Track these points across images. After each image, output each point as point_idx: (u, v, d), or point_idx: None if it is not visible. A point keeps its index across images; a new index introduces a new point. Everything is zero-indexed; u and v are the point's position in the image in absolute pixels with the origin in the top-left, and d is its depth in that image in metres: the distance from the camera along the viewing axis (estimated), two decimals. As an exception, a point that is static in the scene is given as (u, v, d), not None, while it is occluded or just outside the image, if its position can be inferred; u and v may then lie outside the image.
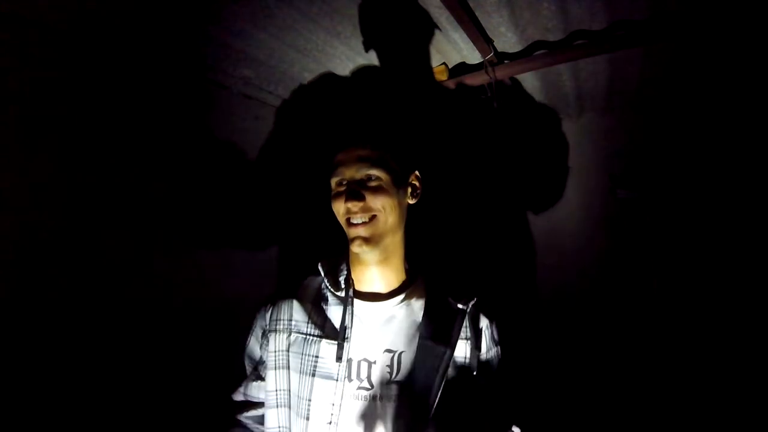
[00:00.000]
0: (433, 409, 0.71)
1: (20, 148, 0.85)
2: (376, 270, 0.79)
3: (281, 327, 0.79)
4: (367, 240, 0.74)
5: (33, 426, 0.86)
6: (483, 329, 0.82)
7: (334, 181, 0.77)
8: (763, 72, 1.23)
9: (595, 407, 1.49)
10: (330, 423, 0.71)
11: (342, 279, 0.80)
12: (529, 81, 1.39)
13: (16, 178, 0.85)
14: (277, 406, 0.76)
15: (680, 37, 1.03)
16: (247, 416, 0.82)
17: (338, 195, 0.76)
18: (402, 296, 0.79)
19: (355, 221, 0.74)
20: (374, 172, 0.75)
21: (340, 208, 0.75)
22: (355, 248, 0.75)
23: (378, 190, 0.74)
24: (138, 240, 1.06)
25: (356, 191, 0.74)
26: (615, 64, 1.24)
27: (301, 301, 0.81)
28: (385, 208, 0.74)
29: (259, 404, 0.81)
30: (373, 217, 0.74)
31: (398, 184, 0.78)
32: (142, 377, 1.05)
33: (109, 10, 0.91)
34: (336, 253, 0.85)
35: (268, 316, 0.81)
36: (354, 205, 0.73)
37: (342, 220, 0.76)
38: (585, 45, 1.10)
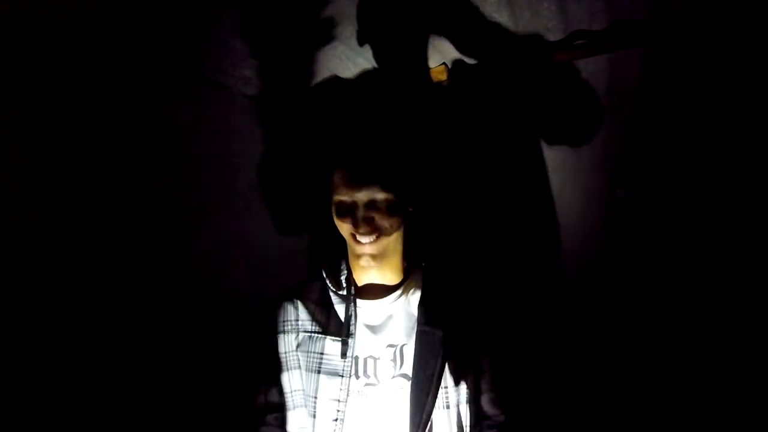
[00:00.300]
0: (435, 394, 0.72)
1: (20, 148, 0.85)
2: (375, 272, 0.81)
3: (288, 328, 0.81)
4: (374, 257, 0.74)
5: (33, 426, 0.86)
6: (480, 313, 0.83)
7: (337, 198, 0.75)
8: (763, 72, 1.23)
9: (595, 406, 1.49)
10: (336, 420, 0.72)
11: (343, 278, 0.81)
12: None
13: (16, 178, 0.85)
14: (294, 408, 0.78)
15: (680, 37, 1.04)
16: (273, 417, 0.81)
17: (343, 213, 0.74)
18: (400, 291, 0.81)
19: (362, 240, 0.73)
20: (383, 195, 0.73)
21: (345, 225, 0.74)
22: (363, 263, 0.75)
23: (386, 211, 0.73)
24: (138, 240, 1.06)
25: (366, 217, 0.72)
26: (615, 64, 1.24)
27: (306, 302, 0.83)
28: (392, 226, 0.74)
29: (281, 409, 0.81)
30: (379, 235, 0.74)
31: (403, 201, 0.77)
32: (143, 377, 1.05)
33: (109, 10, 0.91)
34: (336, 254, 0.86)
35: (275, 318, 0.83)
36: (363, 229, 0.72)
37: (346, 235, 0.76)
38: (585, 45, 1.10)
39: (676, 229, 1.47)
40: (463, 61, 1.30)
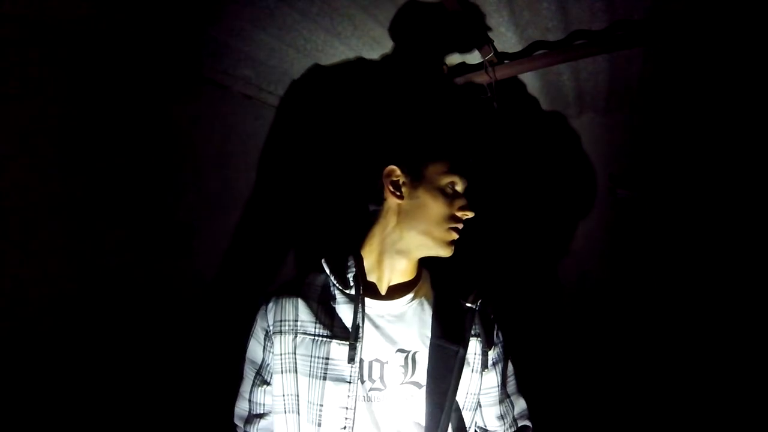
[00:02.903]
0: (450, 409, 0.71)
1: (20, 148, 0.85)
2: (402, 270, 0.80)
3: (286, 328, 0.75)
4: (456, 245, 0.79)
5: (32, 426, 0.86)
6: (492, 327, 0.82)
7: (448, 180, 0.78)
8: (763, 72, 1.23)
9: (596, 406, 1.49)
10: (344, 428, 0.69)
11: (351, 276, 0.77)
12: (529, 81, 1.39)
13: (16, 177, 0.85)
14: (285, 412, 0.73)
15: (680, 37, 1.03)
16: (258, 428, 0.78)
17: (453, 197, 0.79)
18: (412, 294, 0.78)
19: (460, 226, 0.78)
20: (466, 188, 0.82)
21: (452, 210, 0.78)
22: (449, 251, 0.78)
23: None
24: (138, 239, 1.06)
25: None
26: (615, 64, 1.24)
27: (307, 300, 0.77)
28: None
29: (268, 413, 0.78)
30: None
31: None
32: (142, 378, 1.05)
33: (109, 10, 0.91)
34: (340, 250, 0.83)
35: (270, 317, 0.77)
36: (472, 213, 0.79)
37: (446, 222, 0.77)
38: (585, 45, 1.10)
39: (676, 228, 1.47)
40: (464, 62, 1.30)
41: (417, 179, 0.78)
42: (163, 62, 1.11)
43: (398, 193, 0.78)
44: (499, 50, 1.20)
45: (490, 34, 1.13)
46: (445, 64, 1.29)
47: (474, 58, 1.25)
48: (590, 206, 1.62)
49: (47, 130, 0.90)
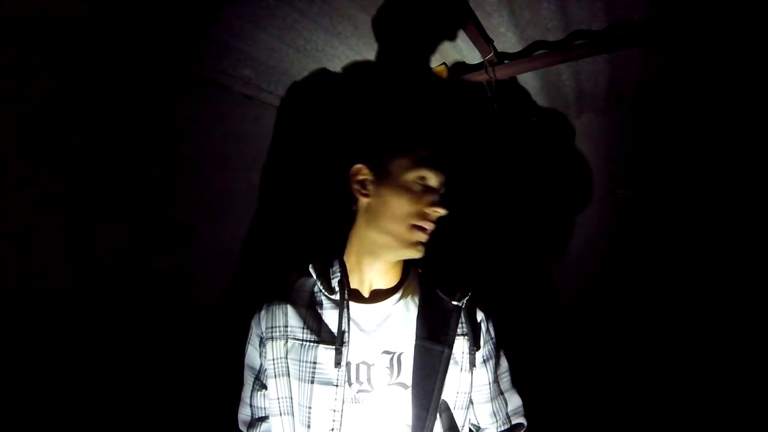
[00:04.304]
0: (435, 409, 0.71)
1: (20, 148, 0.85)
2: (382, 272, 0.79)
3: (277, 334, 0.77)
4: (426, 246, 0.75)
5: (32, 426, 0.86)
6: (480, 325, 0.81)
7: (415, 175, 0.74)
8: (763, 72, 1.23)
9: (595, 407, 1.49)
10: (332, 430, 0.70)
11: (335, 282, 0.77)
12: (529, 81, 1.39)
13: (16, 177, 0.85)
14: (281, 414, 0.75)
15: (680, 37, 1.03)
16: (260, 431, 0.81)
17: (420, 194, 0.74)
18: (398, 295, 0.78)
19: (427, 227, 0.74)
20: (444, 186, 0.78)
21: (418, 206, 0.73)
22: (415, 253, 0.74)
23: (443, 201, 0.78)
24: (137, 240, 1.06)
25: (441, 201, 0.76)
26: (615, 64, 1.24)
27: (295, 306, 0.79)
28: None
29: (268, 417, 0.80)
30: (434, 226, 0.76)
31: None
32: (141, 378, 1.05)
33: (109, 10, 0.91)
34: (327, 254, 0.83)
35: (263, 323, 0.79)
36: (443, 210, 0.74)
37: (409, 220, 0.73)
38: (585, 45, 1.10)
39: (676, 228, 1.47)
40: (464, 62, 1.30)
41: (383, 176, 0.76)
42: (163, 62, 1.11)
43: (364, 192, 0.78)
44: (499, 50, 1.20)
45: (490, 34, 1.13)
46: (445, 64, 1.29)
47: (474, 58, 1.25)
48: (590, 206, 1.62)
49: (47, 130, 0.89)
